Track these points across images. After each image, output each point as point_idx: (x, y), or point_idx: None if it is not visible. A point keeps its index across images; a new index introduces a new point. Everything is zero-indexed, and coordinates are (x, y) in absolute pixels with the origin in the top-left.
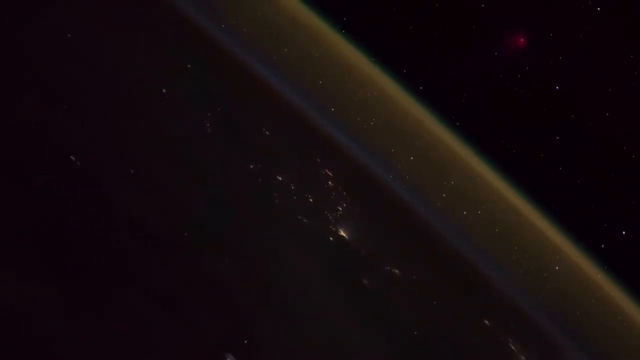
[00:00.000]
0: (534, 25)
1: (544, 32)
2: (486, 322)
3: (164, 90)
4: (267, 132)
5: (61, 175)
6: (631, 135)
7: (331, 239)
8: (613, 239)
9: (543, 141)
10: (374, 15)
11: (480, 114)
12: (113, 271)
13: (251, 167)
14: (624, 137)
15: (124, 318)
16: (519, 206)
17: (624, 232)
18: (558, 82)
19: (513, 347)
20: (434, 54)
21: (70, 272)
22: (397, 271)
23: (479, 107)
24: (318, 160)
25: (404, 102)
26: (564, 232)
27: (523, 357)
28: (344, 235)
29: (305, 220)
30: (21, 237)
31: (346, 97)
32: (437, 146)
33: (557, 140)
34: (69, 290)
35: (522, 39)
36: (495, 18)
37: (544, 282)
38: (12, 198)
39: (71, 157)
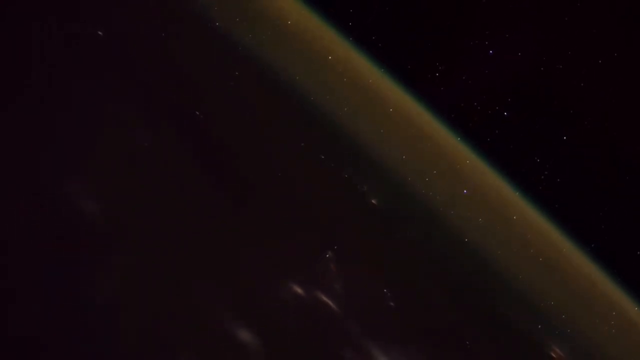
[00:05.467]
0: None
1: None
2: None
3: (232, 84)
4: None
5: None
6: None
7: (367, 201)
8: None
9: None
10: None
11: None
12: (241, 185)
13: (302, 144)
14: None
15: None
16: (510, 197)
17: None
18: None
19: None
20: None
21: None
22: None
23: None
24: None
25: (408, 103)
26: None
27: (513, 317)
28: (375, 203)
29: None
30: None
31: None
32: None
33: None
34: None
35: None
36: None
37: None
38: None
39: (196, 112)
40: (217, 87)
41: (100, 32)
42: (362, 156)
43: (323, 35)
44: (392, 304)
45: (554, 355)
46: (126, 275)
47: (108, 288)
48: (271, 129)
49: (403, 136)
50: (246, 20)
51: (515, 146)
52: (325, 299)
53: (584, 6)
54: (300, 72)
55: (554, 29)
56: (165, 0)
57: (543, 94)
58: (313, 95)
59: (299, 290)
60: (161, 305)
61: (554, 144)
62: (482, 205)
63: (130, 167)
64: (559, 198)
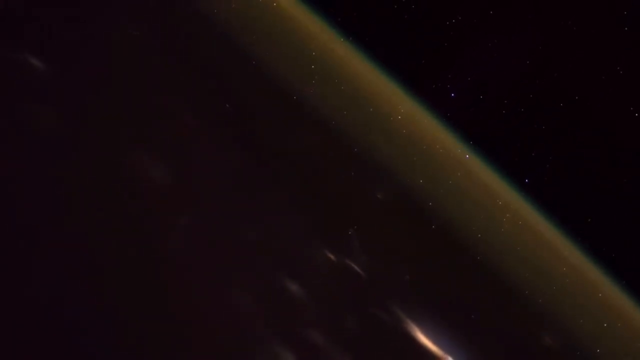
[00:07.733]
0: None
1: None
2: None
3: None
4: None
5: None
6: None
7: (373, 196)
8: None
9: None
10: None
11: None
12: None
13: (312, 139)
14: None
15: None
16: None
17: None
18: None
19: None
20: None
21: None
22: None
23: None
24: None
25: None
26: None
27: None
28: (379, 197)
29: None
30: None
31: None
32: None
33: None
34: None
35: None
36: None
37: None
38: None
39: (226, 105)
40: (224, 86)
41: (136, 32)
42: (364, 155)
43: (323, 35)
44: (407, 277)
45: (546, 345)
46: (187, 234)
47: (174, 247)
48: (275, 128)
49: (403, 135)
50: (247, 20)
51: None
52: (352, 265)
53: (547, 48)
54: (301, 73)
55: (519, 70)
56: (173, 2)
57: (504, 135)
58: (313, 96)
59: (331, 256)
60: (215, 261)
61: (520, 185)
62: (482, 201)
63: (180, 146)
64: None
